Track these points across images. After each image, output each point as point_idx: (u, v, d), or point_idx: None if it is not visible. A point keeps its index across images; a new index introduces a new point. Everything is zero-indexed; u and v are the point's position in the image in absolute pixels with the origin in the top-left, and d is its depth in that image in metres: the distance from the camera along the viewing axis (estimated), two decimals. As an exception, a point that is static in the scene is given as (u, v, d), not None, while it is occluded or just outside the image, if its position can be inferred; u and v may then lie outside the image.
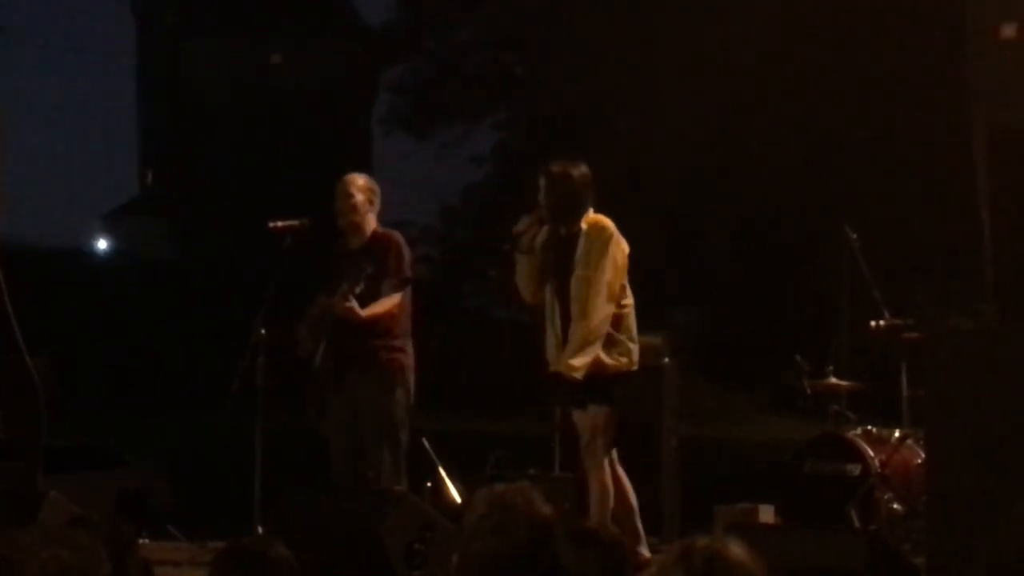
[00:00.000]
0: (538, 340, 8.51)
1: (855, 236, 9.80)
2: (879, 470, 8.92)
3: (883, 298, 9.60)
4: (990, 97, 7.78)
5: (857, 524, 8.69)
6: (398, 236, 9.06)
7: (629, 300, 8.28)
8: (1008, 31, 7.66)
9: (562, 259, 8.24)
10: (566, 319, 8.22)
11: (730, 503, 9.73)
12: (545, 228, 8.30)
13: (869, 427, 9.32)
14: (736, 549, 3.54)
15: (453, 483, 9.78)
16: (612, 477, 8.26)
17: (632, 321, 8.28)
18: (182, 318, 37.38)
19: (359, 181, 8.96)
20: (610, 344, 8.18)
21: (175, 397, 31.75)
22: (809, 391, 9.47)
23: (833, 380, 9.48)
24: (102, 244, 56.74)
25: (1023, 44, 7.64)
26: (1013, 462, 6.83)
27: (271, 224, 9.06)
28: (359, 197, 8.89)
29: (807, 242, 25.91)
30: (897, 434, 9.18)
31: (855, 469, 9.02)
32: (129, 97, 61.48)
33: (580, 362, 8.09)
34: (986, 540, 3.52)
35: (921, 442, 8.84)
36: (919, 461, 8.89)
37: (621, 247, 8.21)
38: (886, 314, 9.49)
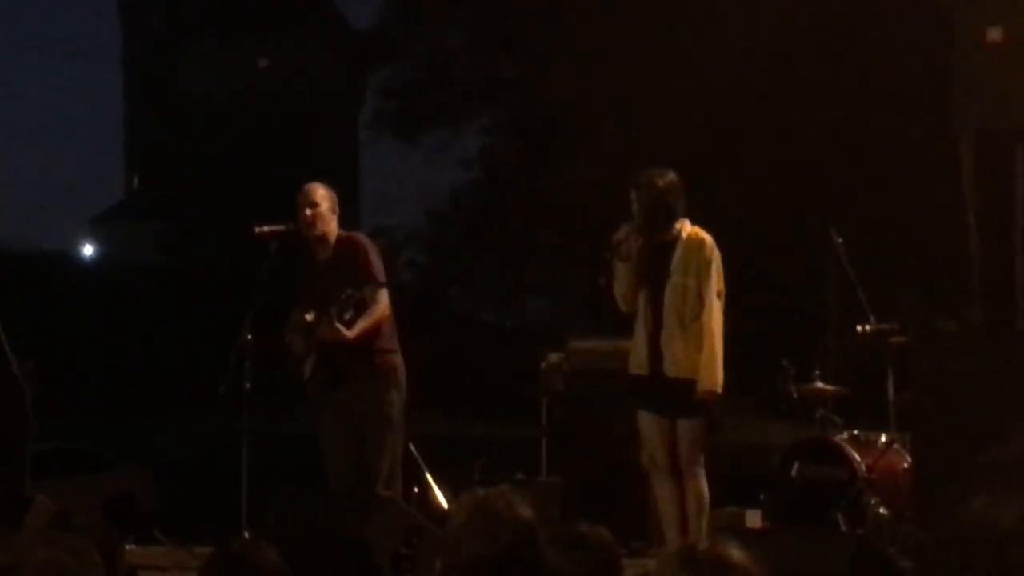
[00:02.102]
0: (523, 344, 8.51)
1: (841, 240, 9.81)
2: (866, 474, 8.91)
3: (869, 302, 9.61)
4: (976, 101, 7.75)
5: (844, 528, 8.68)
6: (362, 238, 9.00)
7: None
8: (994, 35, 7.64)
9: (656, 266, 8.21)
10: (657, 325, 8.20)
11: (717, 507, 9.73)
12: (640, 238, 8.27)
13: (856, 431, 9.30)
14: (737, 552, 3.53)
15: (440, 488, 9.78)
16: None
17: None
18: (169, 322, 37.34)
19: (320, 190, 8.82)
20: None
21: (163, 401, 31.71)
22: (796, 395, 9.46)
23: (819, 384, 9.47)
24: (89, 248, 56.69)
25: (1009, 48, 7.63)
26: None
27: (257, 229, 9.01)
28: (324, 205, 8.78)
29: (794, 246, 25.89)
30: (884, 438, 9.18)
31: (842, 473, 9.01)
32: (116, 101, 61.49)
33: (720, 377, 8.15)
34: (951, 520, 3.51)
35: (908, 446, 8.84)
36: (906, 465, 8.89)
37: (719, 258, 8.26)
38: (872, 318, 9.49)
